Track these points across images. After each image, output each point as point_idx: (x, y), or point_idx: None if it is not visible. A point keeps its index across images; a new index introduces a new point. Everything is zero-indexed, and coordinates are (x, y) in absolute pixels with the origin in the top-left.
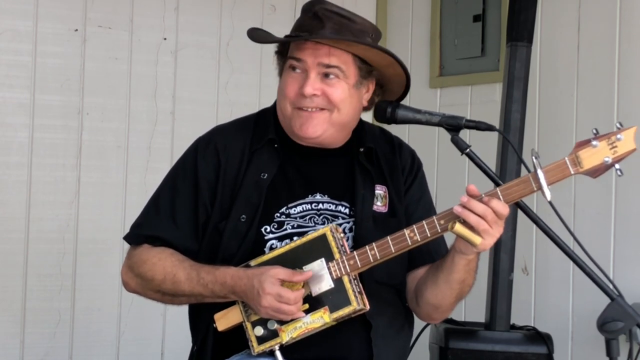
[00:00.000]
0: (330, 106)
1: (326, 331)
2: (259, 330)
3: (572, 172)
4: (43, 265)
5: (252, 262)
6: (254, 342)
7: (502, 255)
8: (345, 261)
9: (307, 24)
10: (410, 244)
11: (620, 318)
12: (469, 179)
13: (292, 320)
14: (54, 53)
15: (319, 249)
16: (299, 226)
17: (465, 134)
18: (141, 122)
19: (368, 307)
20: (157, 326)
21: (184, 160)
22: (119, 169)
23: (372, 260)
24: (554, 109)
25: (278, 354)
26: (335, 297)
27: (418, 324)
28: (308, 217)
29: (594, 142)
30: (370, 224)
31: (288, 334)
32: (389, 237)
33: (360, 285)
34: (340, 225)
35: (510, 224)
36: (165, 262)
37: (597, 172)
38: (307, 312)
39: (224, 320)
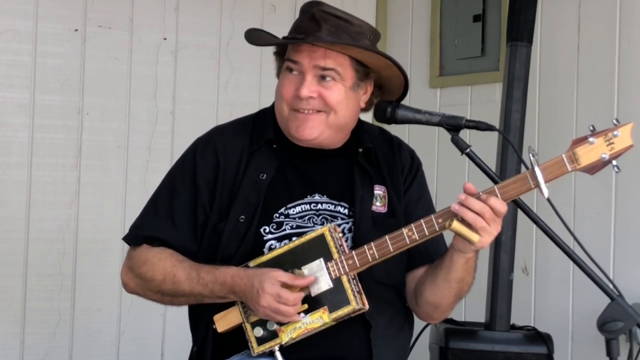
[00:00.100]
0: (326, 108)
1: (326, 331)
2: (259, 331)
3: (570, 169)
4: (43, 265)
5: (251, 263)
6: (253, 343)
7: (502, 255)
8: (344, 261)
9: (304, 25)
10: (408, 243)
11: (620, 318)
12: (469, 179)
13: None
14: (54, 53)
15: (318, 249)
16: (298, 227)
17: (465, 134)
18: (141, 122)
19: (367, 306)
20: (157, 326)
21: (183, 161)
22: (119, 169)
23: (370, 260)
24: (554, 109)
25: (278, 354)
26: (334, 297)
27: (418, 324)
28: (307, 217)
29: (591, 139)
30: (369, 224)
31: (287, 335)
32: (387, 237)
33: (360, 285)
34: (339, 225)
35: (510, 224)
36: (165, 263)
37: (594, 168)
38: (306, 312)
39: (224, 322)
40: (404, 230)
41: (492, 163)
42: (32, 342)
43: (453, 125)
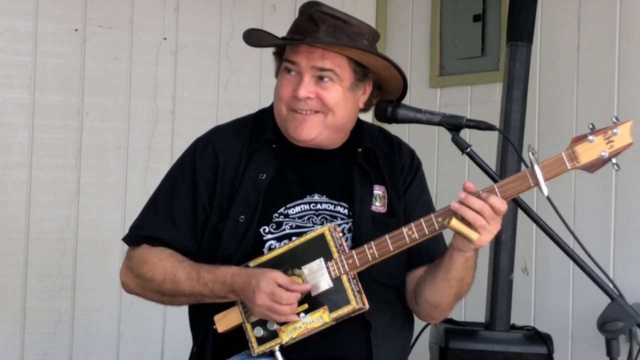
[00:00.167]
0: (324, 109)
1: (326, 331)
2: (259, 331)
3: (569, 167)
4: (43, 265)
5: (251, 263)
6: (253, 343)
7: (502, 255)
8: (344, 260)
9: (302, 26)
10: (408, 242)
11: (620, 318)
12: (469, 179)
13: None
14: (54, 53)
15: (318, 248)
16: (298, 227)
17: (466, 134)
18: (141, 122)
19: (367, 306)
20: (157, 326)
21: (183, 161)
22: (119, 169)
23: (370, 259)
24: (554, 109)
25: (278, 354)
26: (334, 297)
27: (418, 324)
28: (306, 217)
29: (591, 137)
30: (369, 224)
31: (288, 335)
32: (387, 236)
33: (360, 284)
34: (339, 225)
35: (510, 224)
36: (165, 262)
37: (594, 166)
38: (306, 312)
39: (224, 322)
40: (404, 230)
41: (492, 163)
42: (32, 342)
43: (453, 125)
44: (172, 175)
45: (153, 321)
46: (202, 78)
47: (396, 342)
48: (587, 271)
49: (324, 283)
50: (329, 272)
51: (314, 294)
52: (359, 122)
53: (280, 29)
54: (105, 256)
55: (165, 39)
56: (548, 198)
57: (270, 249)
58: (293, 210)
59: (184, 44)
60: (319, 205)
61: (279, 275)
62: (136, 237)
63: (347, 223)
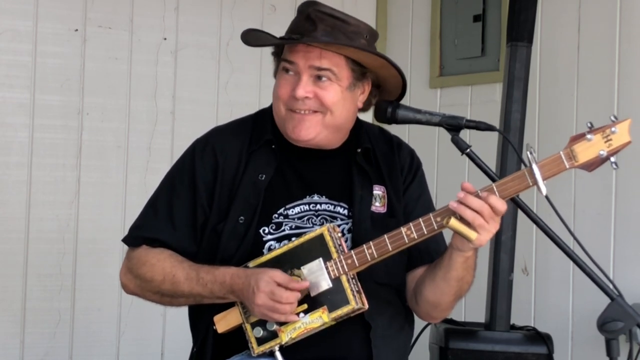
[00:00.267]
0: (322, 109)
1: (326, 331)
2: (259, 332)
3: (568, 166)
4: (43, 265)
5: (251, 264)
6: (253, 343)
7: (502, 255)
8: (343, 260)
9: (300, 26)
10: (407, 242)
11: (620, 318)
12: (469, 179)
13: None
14: (54, 53)
15: (317, 248)
16: (297, 227)
17: (466, 134)
18: (141, 122)
19: (367, 306)
20: (157, 326)
21: (182, 162)
22: (119, 169)
23: (369, 259)
24: (554, 109)
25: (278, 354)
26: (334, 297)
27: (418, 324)
28: (306, 218)
29: (589, 136)
30: (369, 224)
31: (287, 335)
32: (386, 236)
33: (359, 284)
34: (339, 226)
35: (510, 224)
36: (165, 263)
37: (592, 165)
38: (305, 312)
39: (224, 322)
40: (403, 230)
41: (492, 163)
42: (32, 342)
43: (453, 125)
44: (171, 176)
45: (153, 321)
46: (202, 78)
47: (396, 342)
48: (587, 271)
49: (324, 283)
50: (328, 272)
51: (313, 294)
52: (359, 122)
53: (280, 29)
54: (105, 256)
55: (165, 39)
56: (547, 197)
57: (269, 250)
58: (293, 211)
59: (184, 44)
60: (318, 206)
61: (277, 274)
62: (135, 238)
63: (346, 223)
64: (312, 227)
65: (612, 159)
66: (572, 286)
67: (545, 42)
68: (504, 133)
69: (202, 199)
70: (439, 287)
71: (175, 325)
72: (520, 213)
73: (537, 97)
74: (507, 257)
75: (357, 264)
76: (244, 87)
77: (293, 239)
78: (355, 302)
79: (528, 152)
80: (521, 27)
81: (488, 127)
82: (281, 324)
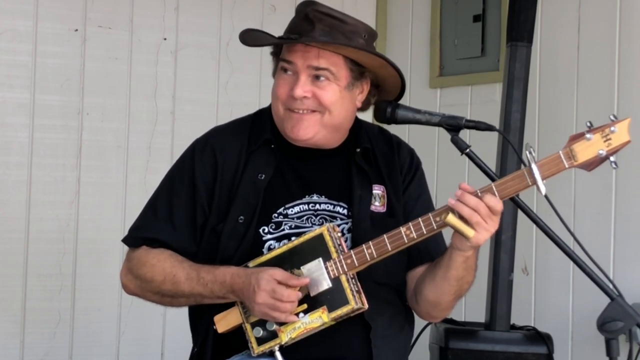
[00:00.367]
0: (321, 108)
1: (326, 331)
2: (258, 332)
3: (567, 166)
4: (43, 265)
5: (251, 263)
6: (253, 343)
7: (502, 255)
8: (343, 260)
9: (298, 25)
10: (406, 241)
11: (620, 318)
12: (468, 179)
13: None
14: (54, 53)
15: (317, 248)
16: (297, 227)
17: (465, 134)
18: (141, 122)
19: (366, 306)
20: (157, 326)
21: (182, 162)
22: (119, 169)
23: (369, 259)
24: (554, 109)
25: (278, 354)
26: (333, 297)
27: (418, 324)
28: (305, 217)
29: (588, 135)
30: (368, 224)
31: (287, 335)
32: (385, 236)
33: (359, 284)
34: (338, 225)
35: (510, 224)
36: (165, 263)
37: (591, 165)
38: (305, 312)
39: (224, 322)
40: (402, 229)
41: (492, 163)
42: (32, 342)
43: (453, 125)
44: (171, 176)
45: (153, 321)
46: (202, 78)
47: (396, 342)
48: (587, 271)
49: (323, 283)
50: (328, 272)
51: (313, 294)
52: (359, 121)
53: (280, 29)
54: (105, 256)
55: (165, 39)
56: (546, 197)
57: (269, 249)
58: (292, 211)
59: (184, 44)
60: (318, 206)
61: (277, 272)
62: (135, 238)
63: (346, 223)
64: (312, 226)
65: (612, 158)
66: (572, 286)
67: (545, 42)
68: (503, 133)
69: (201, 199)
70: (438, 287)
71: (175, 325)
72: (520, 213)
73: (537, 97)
74: (507, 257)
75: (356, 264)
76: (243, 87)
77: (293, 238)
78: (355, 302)
79: (527, 152)
80: (521, 27)
81: (488, 127)
82: (281, 324)
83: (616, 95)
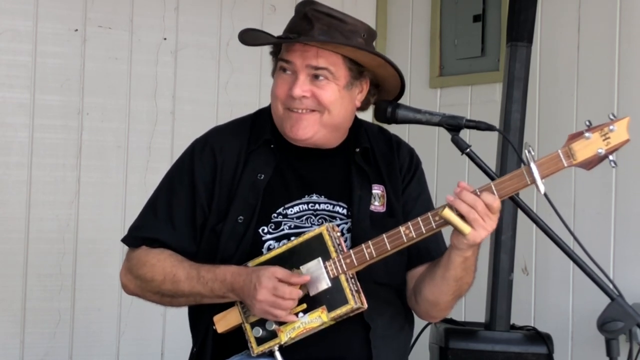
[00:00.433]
0: (320, 108)
1: (325, 331)
2: (258, 331)
3: (566, 165)
4: (43, 265)
5: (250, 263)
6: (253, 343)
7: (502, 255)
8: (342, 260)
9: (297, 25)
10: (405, 241)
11: (620, 318)
12: (468, 179)
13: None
14: (54, 53)
15: (316, 248)
16: (296, 227)
17: (465, 134)
18: (141, 122)
19: (366, 305)
20: (157, 326)
21: (181, 162)
22: (119, 169)
23: (368, 259)
24: (554, 109)
25: (277, 354)
26: (333, 296)
27: (418, 324)
28: (305, 217)
29: (587, 134)
30: (368, 224)
31: (287, 334)
32: (384, 235)
33: (358, 284)
34: (338, 225)
35: (510, 224)
36: (165, 263)
37: (590, 164)
38: (304, 311)
39: (223, 322)
40: (401, 229)
41: (492, 163)
42: (32, 342)
43: (453, 125)
44: (170, 177)
45: (153, 321)
46: (202, 78)
47: (396, 342)
48: (587, 271)
49: (323, 283)
50: (327, 272)
51: (312, 293)
52: (358, 121)
53: (280, 29)
54: (105, 256)
55: (165, 39)
56: (546, 196)
57: (269, 249)
58: (292, 211)
59: (184, 44)
60: (317, 206)
61: (278, 270)
62: (135, 238)
63: (346, 223)
64: (311, 226)
65: (611, 157)
66: (572, 286)
67: (545, 42)
68: (504, 133)
69: (201, 199)
70: (437, 286)
71: (175, 325)
72: (520, 213)
73: (537, 97)
74: (507, 257)
75: (355, 264)
76: (243, 87)
77: (292, 238)
78: (354, 301)
79: (526, 151)
80: (521, 27)
81: (488, 127)
82: (280, 323)
83: (616, 95)
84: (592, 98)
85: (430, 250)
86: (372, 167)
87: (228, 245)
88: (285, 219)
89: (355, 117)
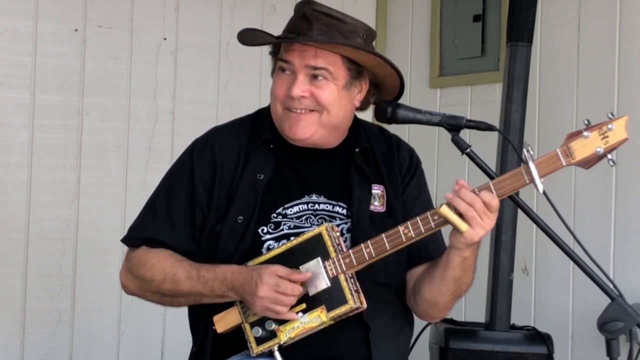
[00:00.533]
0: (319, 107)
1: (325, 331)
2: (257, 331)
3: (564, 164)
4: (43, 265)
5: (250, 263)
6: (252, 343)
7: (502, 255)
8: (341, 260)
9: (296, 25)
10: (404, 240)
11: (620, 318)
12: (468, 179)
13: (289, 320)
14: (54, 53)
15: (315, 248)
16: (296, 227)
17: (466, 134)
18: (141, 122)
19: (365, 305)
20: (157, 326)
21: (181, 162)
22: (119, 169)
23: (367, 258)
24: (554, 109)
25: (277, 354)
26: (332, 296)
27: (418, 324)
28: (304, 217)
29: (585, 133)
30: (367, 224)
31: (286, 334)
32: (383, 234)
33: (357, 283)
34: (338, 226)
35: (510, 224)
36: (165, 263)
37: (589, 162)
38: (304, 311)
39: (223, 322)
40: (400, 228)
41: (492, 163)
42: (32, 342)
43: (453, 125)
44: (170, 177)
45: (153, 321)
46: (202, 78)
47: (396, 342)
48: (587, 271)
49: (322, 282)
50: (327, 272)
51: (311, 293)
52: (358, 121)
53: (280, 29)
54: (105, 256)
55: (165, 39)
56: (545, 194)
57: (268, 249)
58: (291, 211)
59: (184, 44)
60: (317, 206)
61: (279, 268)
62: (135, 238)
63: (345, 223)
64: (311, 226)
65: (609, 156)
66: (572, 286)
67: (545, 42)
68: (504, 133)
69: (200, 199)
70: (436, 286)
71: (175, 325)
72: (520, 213)
73: (537, 97)
74: (507, 257)
75: (355, 263)
76: (243, 87)
77: (292, 238)
78: (354, 301)
79: (525, 150)
80: (521, 27)
81: (488, 127)
82: (280, 323)
83: (616, 95)
84: (592, 98)
85: (429, 250)
86: (371, 167)
87: (227, 246)
88: (284, 219)
89: (355, 117)
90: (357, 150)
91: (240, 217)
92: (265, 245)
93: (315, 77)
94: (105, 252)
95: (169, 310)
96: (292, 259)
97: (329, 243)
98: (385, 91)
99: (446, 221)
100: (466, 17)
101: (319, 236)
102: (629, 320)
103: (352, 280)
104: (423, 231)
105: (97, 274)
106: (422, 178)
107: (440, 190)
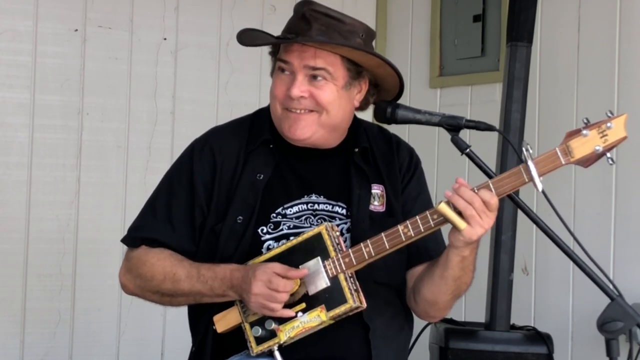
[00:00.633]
0: (318, 108)
1: (325, 331)
2: (257, 331)
3: (563, 162)
4: (43, 265)
5: (250, 263)
6: (252, 342)
7: (502, 255)
8: (341, 259)
9: (295, 25)
10: (404, 239)
11: (620, 318)
12: (468, 179)
13: (289, 319)
14: (54, 53)
15: (315, 247)
16: (295, 227)
17: (465, 134)
18: (141, 122)
19: (365, 304)
20: (157, 326)
21: (180, 162)
22: (119, 169)
23: (367, 257)
24: (554, 109)
25: (277, 354)
26: (332, 296)
27: (418, 324)
28: (304, 217)
29: (585, 131)
30: (367, 224)
31: (286, 334)
32: (383, 234)
33: (357, 283)
34: (337, 225)
35: (510, 224)
36: (165, 262)
37: (588, 161)
38: (304, 311)
39: (223, 322)
40: (400, 227)
41: (492, 163)
42: (32, 342)
43: (453, 125)
44: (170, 177)
45: (153, 321)
46: (202, 78)
47: (396, 342)
48: (587, 271)
49: (321, 282)
50: (326, 271)
51: (311, 293)
52: (358, 121)
53: (280, 30)
54: (105, 256)
55: (165, 39)
56: (544, 193)
57: (268, 249)
58: (291, 211)
59: (184, 44)
60: (316, 206)
61: (275, 265)
62: (134, 238)
63: (345, 223)
64: (310, 226)
65: (608, 154)
66: (572, 286)
67: (545, 42)
68: (503, 133)
69: (200, 199)
70: (436, 286)
71: (175, 325)
72: (520, 213)
73: (537, 97)
74: (507, 257)
75: (354, 263)
76: (243, 87)
77: (291, 238)
78: (353, 300)
79: (524, 149)
80: (521, 27)
81: (488, 127)
82: (280, 323)
83: (616, 95)
84: (592, 98)
85: (429, 250)
86: (371, 167)
87: (227, 245)
88: (284, 219)
89: (355, 117)
90: (356, 150)
91: (240, 217)
92: (265, 245)
93: (314, 77)
94: (105, 252)
95: (169, 310)
96: (292, 258)
97: (328, 242)
98: (384, 91)
99: (445, 219)
100: (466, 17)
101: (318, 236)
102: (629, 320)
103: (351, 279)
104: (422, 230)
105: (97, 274)
106: (422, 178)
107: (440, 190)
